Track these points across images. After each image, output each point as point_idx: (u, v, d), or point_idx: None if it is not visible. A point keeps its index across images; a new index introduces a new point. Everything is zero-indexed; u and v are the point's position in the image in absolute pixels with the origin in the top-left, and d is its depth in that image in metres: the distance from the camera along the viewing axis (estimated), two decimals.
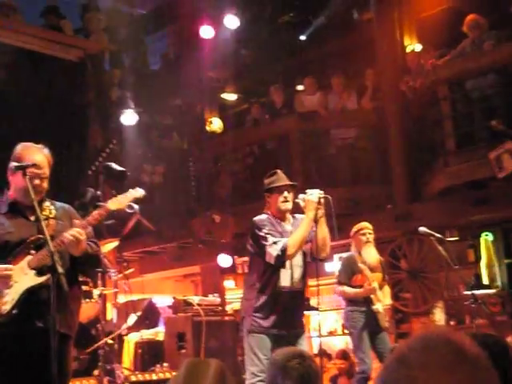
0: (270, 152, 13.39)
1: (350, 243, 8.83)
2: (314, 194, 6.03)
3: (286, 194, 6.18)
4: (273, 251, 5.95)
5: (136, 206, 7.48)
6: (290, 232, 6.17)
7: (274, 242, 5.98)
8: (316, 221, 6.01)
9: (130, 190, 5.36)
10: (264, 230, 6.06)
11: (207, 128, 14.30)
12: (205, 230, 12.69)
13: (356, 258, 8.49)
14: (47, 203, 4.98)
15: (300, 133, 12.76)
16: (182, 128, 15.16)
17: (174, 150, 15.02)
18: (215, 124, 14.36)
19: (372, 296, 8.37)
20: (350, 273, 8.46)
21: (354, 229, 8.60)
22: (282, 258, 5.96)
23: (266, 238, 6.01)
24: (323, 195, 6.04)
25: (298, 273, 6.21)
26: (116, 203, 5.20)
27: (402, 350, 1.54)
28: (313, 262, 6.28)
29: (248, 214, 7.18)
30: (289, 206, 6.18)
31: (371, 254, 8.53)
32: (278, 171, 6.34)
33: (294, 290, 6.16)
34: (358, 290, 8.35)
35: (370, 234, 8.53)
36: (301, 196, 6.11)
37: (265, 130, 13.84)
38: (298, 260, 6.20)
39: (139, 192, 5.37)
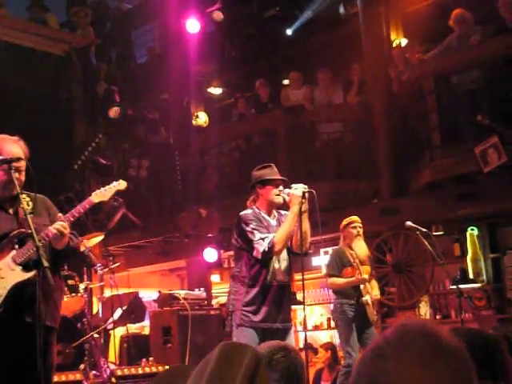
0: (256, 146, 13.40)
1: (338, 237, 8.86)
2: (298, 189, 6.07)
3: (281, 187, 6.24)
4: (260, 247, 6.01)
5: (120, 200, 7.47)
6: (275, 227, 6.22)
7: (262, 238, 6.04)
8: (299, 215, 6.05)
9: (114, 182, 5.36)
10: (251, 226, 6.11)
11: (193, 122, 14.29)
12: (191, 224, 12.69)
13: (345, 251, 8.53)
14: (23, 195, 4.94)
15: (286, 127, 12.76)
16: (168, 122, 15.15)
17: (160, 144, 15.01)
18: (201, 118, 14.36)
19: (361, 287, 8.41)
20: (339, 265, 8.50)
21: (345, 222, 8.65)
22: (269, 253, 6.03)
23: (253, 234, 6.07)
24: (307, 189, 6.08)
25: (284, 266, 6.27)
26: (99, 196, 5.19)
27: (379, 342, 1.54)
28: (293, 256, 6.34)
29: (234, 208, 7.21)
30: (281, 199, 6.23)
31: (361, 248, 8.59)
32: (272, 165, 6.38)
33: (282, 284, 6.23)
34: (349, 279, 8.38)
35: (360, 227, 8.61)
36: (286, 190, 6.17)
37: (251, 124, 13.84)
38: (284, 253, 6.27)
39: (122, 184, 5.36)
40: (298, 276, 12.21)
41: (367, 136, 12.48)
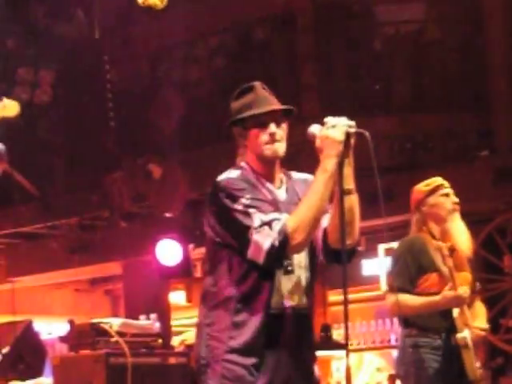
0: (259, 46, 13.44)
1: (411, 219, 8.56)
2: (338, 127, 5.78)
3: (272, 127, 5.88)
4: (264, 240, 5.61)
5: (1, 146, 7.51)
6: (286, 203, 5.93)
7: (266, 223, 5.68)
8: (339, 177, 5.79)
9: None
10: (242, 200, 5.69)
11: (138, 0, 14.38)
12: (132, 193, 12.77)
13: (427, 244, 8.26)
14: None
15: (315, 9, 12.80)
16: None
17: (75, 40, 15.08)
18: None
19: (455, 314, 8.22)
20: (414, 270, 8.18)
21: (426, 187, 8.31)
22: (281, 251, 5.66)
23: (248, 215, 5.72)
24: (355, 129, 5.81)
25: (304, 278, 6.06)
26: None
27: None
28: (327, 260, 6.09)
29: (214, 163, 7.22)
30: (280, 148, 5.92)
31: (462, 234, 8.33)
32: (256, 84, 6.05)
33: (298, 311, 6.01)
34: (431, 298, 8.30)
35: (454, 195, 8.33)
36: (314, 128, 5.83)
37: (248, 3, 13.87)
38: (301, 257, 6.04)
39: (10, 108, 5.42)
40: (333, 296, 12.34)
41: (471, 32, 12.53)
